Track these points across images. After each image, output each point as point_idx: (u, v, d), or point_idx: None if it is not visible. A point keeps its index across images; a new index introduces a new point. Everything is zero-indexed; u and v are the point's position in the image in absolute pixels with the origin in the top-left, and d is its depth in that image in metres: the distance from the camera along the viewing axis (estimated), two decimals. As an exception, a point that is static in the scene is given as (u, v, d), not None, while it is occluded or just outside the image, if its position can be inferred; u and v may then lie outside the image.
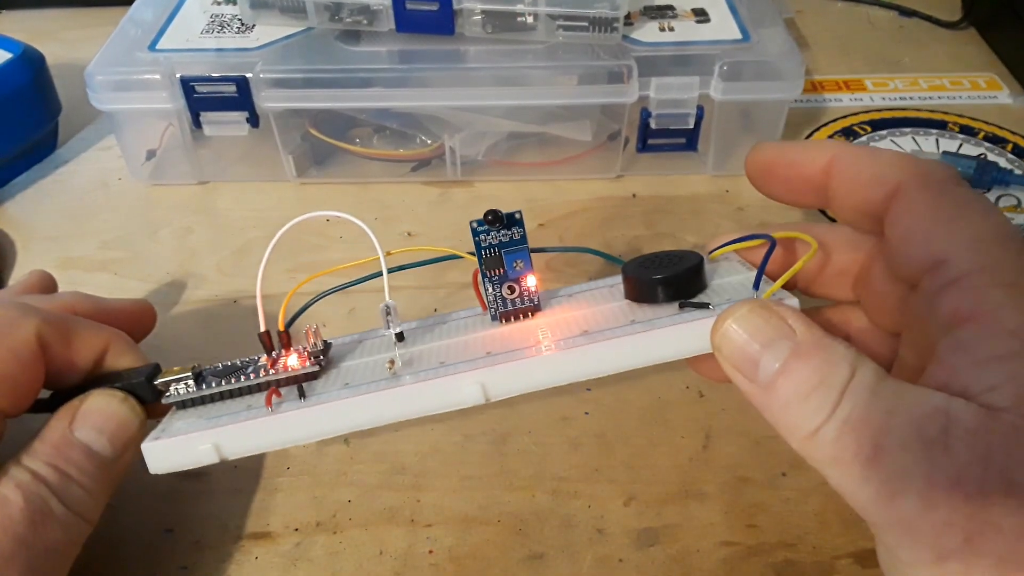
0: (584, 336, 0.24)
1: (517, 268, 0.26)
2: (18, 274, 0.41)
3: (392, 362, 0.25)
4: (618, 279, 0.27)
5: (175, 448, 0.24)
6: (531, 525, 0.30)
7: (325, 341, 0.27)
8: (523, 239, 0.26)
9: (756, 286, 0.24)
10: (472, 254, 0.27)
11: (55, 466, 0.24)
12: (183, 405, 0.26)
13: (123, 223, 0.44)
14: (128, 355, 0.28)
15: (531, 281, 0.26)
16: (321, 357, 0.26)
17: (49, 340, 0.26)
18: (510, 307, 0.27)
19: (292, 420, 0.24)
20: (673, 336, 0.24)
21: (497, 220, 0.26)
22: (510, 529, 0.29)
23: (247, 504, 0.31)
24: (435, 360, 0.25)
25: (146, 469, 0.24)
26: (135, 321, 0.31)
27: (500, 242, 0.26)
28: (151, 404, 0.27)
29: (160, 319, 0.33)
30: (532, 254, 0.26)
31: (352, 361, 0.27)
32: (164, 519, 0.30)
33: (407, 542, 0.29)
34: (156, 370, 0.27)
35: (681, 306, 0.24)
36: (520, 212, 0.26)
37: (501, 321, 0.27)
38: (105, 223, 0.44)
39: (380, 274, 0.25)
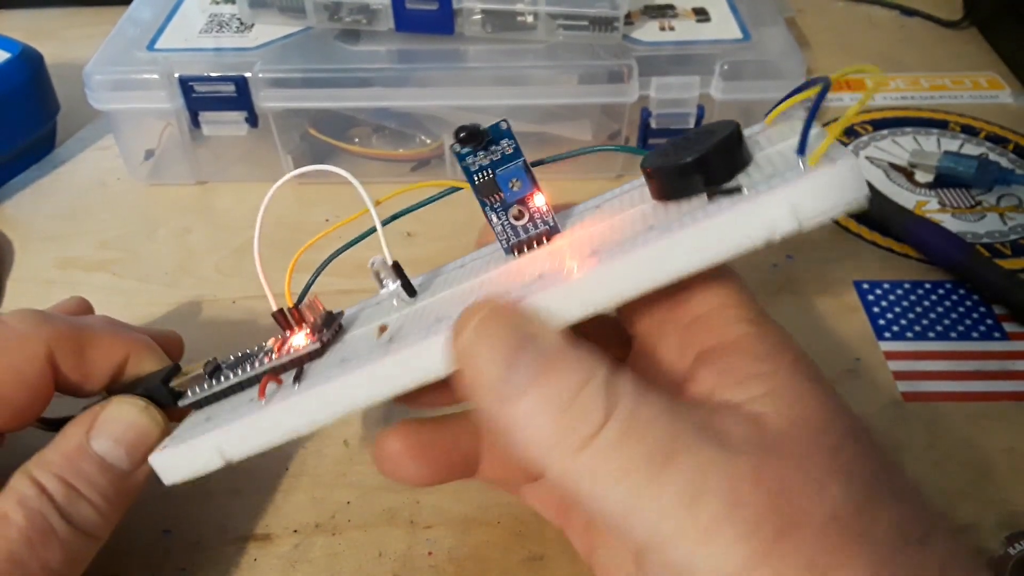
0: (593, 257, 0.20)
1: (514, 188, 0.22)
2: (17, 274, 0.41)
3: (383, 328, 0.22)
4: None
5: (181, 457, 0.23)
6: (531, 526, 0.29)
7: (329, 312, 0.26)
8: (516, 152, 0.22)
9: (801, 149, 0.19)
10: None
11: (65, 480, 0.23)
12: (199, 405, 0.25)
13: (121, 223, 0.44)
14: (150, 361, 0.27)
15: (539, 200, 0.23)
16: (324, 331, 0.24)
17: (60, 354, 0.25)
18: (522, 235, 0.23)
19: (284, 411, 0.22)
20: (696, 239, 0.19)
21: (473, 137, 0.21)
22: (510, 530, 0.29)
23: (246, 505, 0.30)
24: (432, 317, 0.22)
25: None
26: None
27: (491, 161, 0.22)
28: (171, 409, 0.26)
29: (159, 320, 0.33)
30: (538, 166, 0.23)
31: (358, 329, 0.25)
32: (163, 520, 0.30)
33: (406, 543, 0.29)
34: (174, 371, 0.26)
35: (710, 196, 0.19)
36: (506, 121, 0.22)
37: (515, 253, 0.24)
38: (103, 223, 0.44)
39: (375, 229, 0.23)
